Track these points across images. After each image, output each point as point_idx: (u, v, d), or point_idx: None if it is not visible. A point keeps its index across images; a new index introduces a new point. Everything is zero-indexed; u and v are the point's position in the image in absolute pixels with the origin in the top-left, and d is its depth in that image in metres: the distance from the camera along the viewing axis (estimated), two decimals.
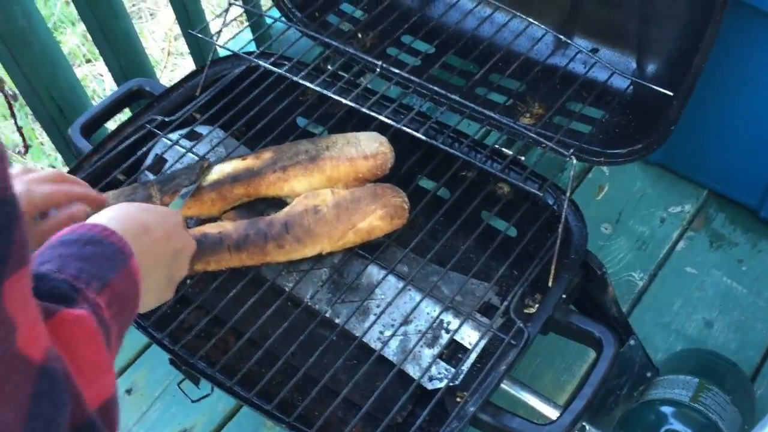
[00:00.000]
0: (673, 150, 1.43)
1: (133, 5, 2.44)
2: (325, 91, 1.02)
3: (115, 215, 0.67)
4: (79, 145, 1.14)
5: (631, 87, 1.05)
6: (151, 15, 2.37)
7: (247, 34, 1.42)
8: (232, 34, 1.21)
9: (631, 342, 1.10)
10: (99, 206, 0.81)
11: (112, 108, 1.19)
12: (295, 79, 1.04)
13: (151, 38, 2.30)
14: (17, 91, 1.15)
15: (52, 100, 1.26)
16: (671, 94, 0.96)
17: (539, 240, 1.01)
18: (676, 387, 1.06)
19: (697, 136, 1.36)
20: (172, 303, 1.00)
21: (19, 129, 1.16)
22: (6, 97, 1.12)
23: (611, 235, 1.41)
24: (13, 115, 1.14)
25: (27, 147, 1.20)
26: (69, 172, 1.10)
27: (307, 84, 1.03)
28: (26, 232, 0.38)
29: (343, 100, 1.00)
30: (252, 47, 1.56)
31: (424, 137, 0.96)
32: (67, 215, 0.78)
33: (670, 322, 1.30)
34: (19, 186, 0.74)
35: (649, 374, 1.14)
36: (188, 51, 1.48)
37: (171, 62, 2.10)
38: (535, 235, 1.02)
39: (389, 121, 0.98)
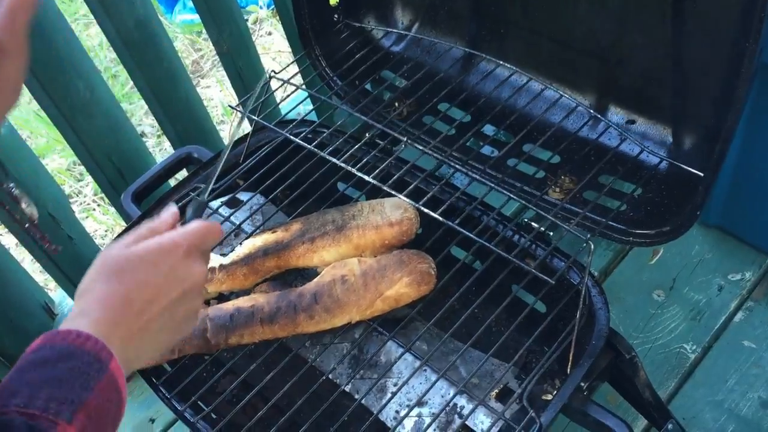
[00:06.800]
0: (733, 212, 1.36)
1: (215, 55, 2.55)
2: (350, 168, 1.04)
3: (103, 296, 0.65)
4: (129, 212, 1.21)
5: (664, 163, 1.01)
6: None
7: (296, 100, 1.46)
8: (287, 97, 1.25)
9: (669, 426, 1.04)
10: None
11: (162, 175, 1.26)
12: (321, 154, 1.06)
13: (227, 88, 2.40)
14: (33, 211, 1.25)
15: (112, 165, 1.34)
16: (701, 174, 0.92)
17: (566, 318, 0.99)
18: None
19: (760, 198, 1.29)
20: (207, 365, 1.05)
21: (44, 237, 1.27)
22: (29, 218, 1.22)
23: (664, 302, 1.34)
24: (35, 228, 1.24)
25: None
26: (117, 238, 1.17)
27: (333, 160, 1.05)
28: None
29: (366, 177, 1.02)
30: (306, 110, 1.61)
31: (441, 218, 0.96)
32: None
33: (722, 401, 1.22)
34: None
35: None
36: None
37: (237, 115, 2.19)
38: (561, 313, 0.99)
39: (408, 201, 0.99)
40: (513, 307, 1.01)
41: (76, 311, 0.65)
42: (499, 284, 1.01)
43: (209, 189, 0.87)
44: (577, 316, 0.91)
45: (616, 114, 1.08)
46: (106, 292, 0.65)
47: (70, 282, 1.39)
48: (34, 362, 0.57)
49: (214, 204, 1.19)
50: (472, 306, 1.00)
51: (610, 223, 0.99)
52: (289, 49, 1.62)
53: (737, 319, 1.31)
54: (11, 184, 1.18)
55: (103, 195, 1.77)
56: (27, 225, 1.24)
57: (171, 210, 0.78)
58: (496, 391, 0.96)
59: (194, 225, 0.76)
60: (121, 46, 1.27)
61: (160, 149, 2.22)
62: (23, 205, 1.20)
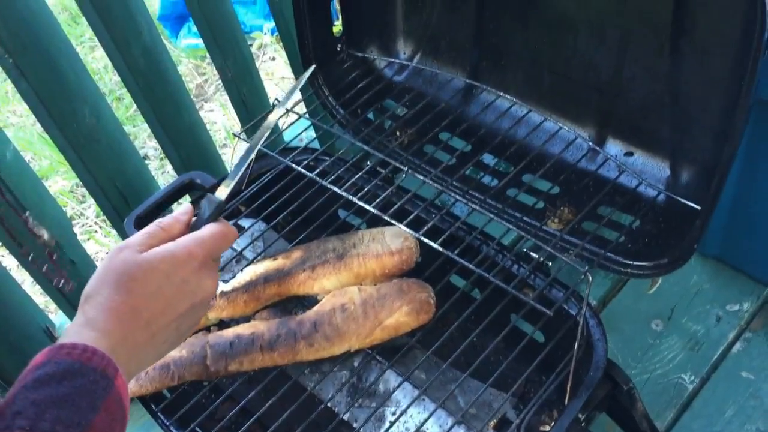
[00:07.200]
0: (732, 243, 1.36)
1: (219, 79, 2.58)
2: (351, 197, 1.05)
3: (111, 306, 0.63)
4: None
5: (662, 195, 1.02)
6: None
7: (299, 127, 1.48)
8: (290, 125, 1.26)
9: None
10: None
11: (165, 201, 1.27)
12: (322, 182, 1.07)
13: (230, 112, 2.42)
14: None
15: (116, 190, 1.35)
16: (698, 208, 0.93)
17: (565, 348, 0.99)
18: None
19: (758, 229, 1.30)
20: (207, 392, 1.05)
21: (60, 272, 1.27)
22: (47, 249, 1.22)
23: (662, 332, 1.35)
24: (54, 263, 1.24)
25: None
26: None
27: (334, 188, 1.06)
28: None
29: (367, 206, 1.03)
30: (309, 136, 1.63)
31: (440, 249, 0.97)
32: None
33: None
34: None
35: None
36: None
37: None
38: (560, 343, 1.00)
39: (407, 230, 1.00)
40: (512, 337, 1.01)
41: (82, 319, 0.64)
42: (498, 314, 1.01)
43: (231, 186, 0.80)
44: (575, 347, 0.92)
45: (615, 146, 1.09)
46: (114, 302, 0.64)
47: (71, 306, 1.39)
48: (39, 379, 0.55)
49: None
50: (471, 335, 1.00)
51: (609, 254, 1.00)
52: (293, 76, 1.64)
53: (735, 350, 1.31)
54: (27, 214, 1.19)
55: (104, 217, 1.78)
56: (45, 266, 1.24)
57: (186, 208, 0.76)
58: (494, 421, 0.96)
59: (210, 232, 0.73)
60: (126, 73, 1.29)
61: (163, 172, 2.24)
62: (45, 237, 1.21)
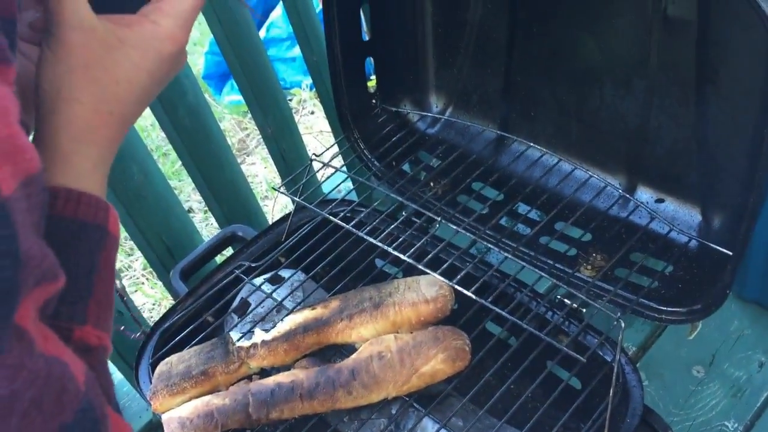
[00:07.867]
0: None
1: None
2: (386, 247, 1.08)
3: (90, 120, 0.54)
4: (177, 289, 1.27)
5: (694, 241, 1.03)
6: None
7: (337, 179, 1.53)
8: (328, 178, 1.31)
9: None
10: None
11: (208, 253, 1.32)
12: (359, 234, 1.11)
13: (271, 165, 2.50)
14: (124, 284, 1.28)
15: (162, 243, 1.41)
16: (730, 253, 0.93)
17: (602, 395, 1.00)
18: None
19: None
20: None
21: (134, 318, 1.30)
22: (118, 292, 1.26)
23: (704, 379, 1.33)
24: (125, 305, 1.28)
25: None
26: (166, 315, 1.22)
27: (369, 239, 1.10)
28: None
29: (402, 256, 1.06)
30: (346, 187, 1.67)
31: (474, 296, 0.99)
32: None
33: None
34: None
35: None
36: None
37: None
38: (596, 390, 1.00)
39: (442, 279, 1.02)
40: (548, 383, 1.02)
41: (60, 148, 0.54)
42: (534, 360, 1.02)
43: None
44: (610, 394, 0.92)
45: (645, 193, 1.11)
46: (93, 113, 0.55)
47: (116, 352, 1.44)
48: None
49: (258, 281, 1.24)
50: (507, 382, 1.01)
51: (642, 300, 1.01)
52: (330, 130, 1.69)
53: None
54: None
55: (151, 269, 1.85)
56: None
57: None
58: None
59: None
60: (172, 132, 1.36)
61: (207, 224, 2.31)
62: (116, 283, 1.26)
